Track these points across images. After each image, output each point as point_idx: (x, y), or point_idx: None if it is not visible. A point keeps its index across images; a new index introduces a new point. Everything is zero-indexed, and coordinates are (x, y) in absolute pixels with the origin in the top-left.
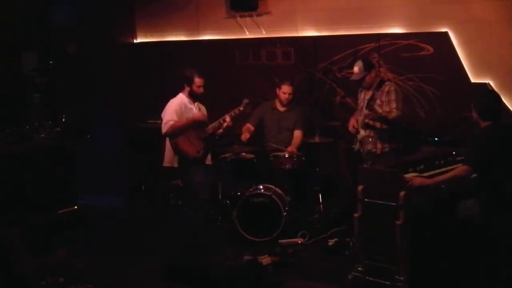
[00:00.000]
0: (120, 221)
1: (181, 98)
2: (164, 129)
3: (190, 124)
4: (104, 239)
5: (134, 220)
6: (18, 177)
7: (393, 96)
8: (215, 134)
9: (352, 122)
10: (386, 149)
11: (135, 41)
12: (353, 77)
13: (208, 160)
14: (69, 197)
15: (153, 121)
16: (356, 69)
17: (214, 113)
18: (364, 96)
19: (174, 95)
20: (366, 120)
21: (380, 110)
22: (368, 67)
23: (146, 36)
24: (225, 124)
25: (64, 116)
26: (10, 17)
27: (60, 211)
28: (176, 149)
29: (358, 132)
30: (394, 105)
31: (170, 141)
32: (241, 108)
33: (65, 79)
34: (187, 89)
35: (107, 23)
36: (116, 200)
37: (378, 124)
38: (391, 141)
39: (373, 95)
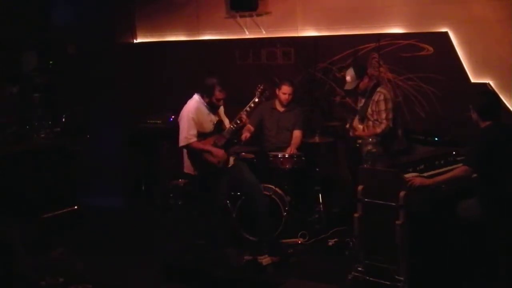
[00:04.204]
0: (120, 221)
1: (198, 102)
2: (181, 143)
3: (204, 150)
4: (104, 239)
5: (134, 220)
6: (18, 177)
7: (382, 106)
8: (233, 138)
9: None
10: (386, 151)
11: (135, 41)
12: (346, 87)
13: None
14: (69, 197)
15: (153, 121)
16: (348, 78)
17: None
18: (359, 103)
19: (173, 95)
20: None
21: (372, 119)
22: (359, 74)
23: (146, 36)
24: (244, 121)
25: (64, 116)
26: (10, 17)
27: (60, 211)
28: (199, 161)
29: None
30: (383, 115)
31: (188, 153)
32: (256, 100)
33: (65, 79)
34: (206, 98)
35: (107, 23)
36: (116, 200)
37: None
38: (391, 143)
39: (365, 103)
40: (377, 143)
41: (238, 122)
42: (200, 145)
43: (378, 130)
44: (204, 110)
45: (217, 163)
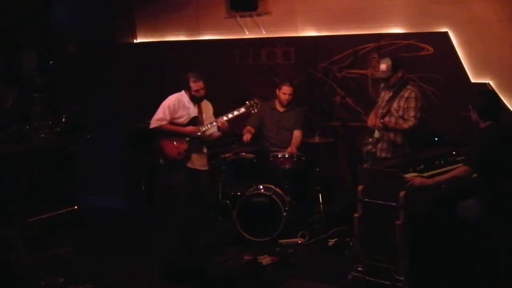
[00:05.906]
0: (120, 221)
1: (181, 95)
2: (152, 124)
3: (177, 133)
4: (104, 239)
5: (134, 220)
6: (18, 177)
7: (412, 104)
8: (203, 137)
9: (371, 118)
10: (389, 156)
11: (135, 41)
12: (379, 75)
13: (203, 166)
14: (69, 197)
15: None
16: (383, 66)
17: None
18: (383, 96)
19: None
20: (383, 121)
21: (396, 115)
22: (396, 67)
23: (146, 36)
24: (219, 124)
25: (64, 116)
26: (10, 17)
27: (60, 211)
28: (157, 147)
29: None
30: (412, 113)
31: (156, 138)
32: (242, 110)
33: (65, 79)
34: (187, 92)
35: (107, 23)
36: (116, 200)
37: (391, 133)
38: (397, 149)
39: (392, 97)
40: (380, 143)
41: (214, 124)
42: (170, 128)
43: (406, 126)
44: (184, 102)
45: (178, 155)
